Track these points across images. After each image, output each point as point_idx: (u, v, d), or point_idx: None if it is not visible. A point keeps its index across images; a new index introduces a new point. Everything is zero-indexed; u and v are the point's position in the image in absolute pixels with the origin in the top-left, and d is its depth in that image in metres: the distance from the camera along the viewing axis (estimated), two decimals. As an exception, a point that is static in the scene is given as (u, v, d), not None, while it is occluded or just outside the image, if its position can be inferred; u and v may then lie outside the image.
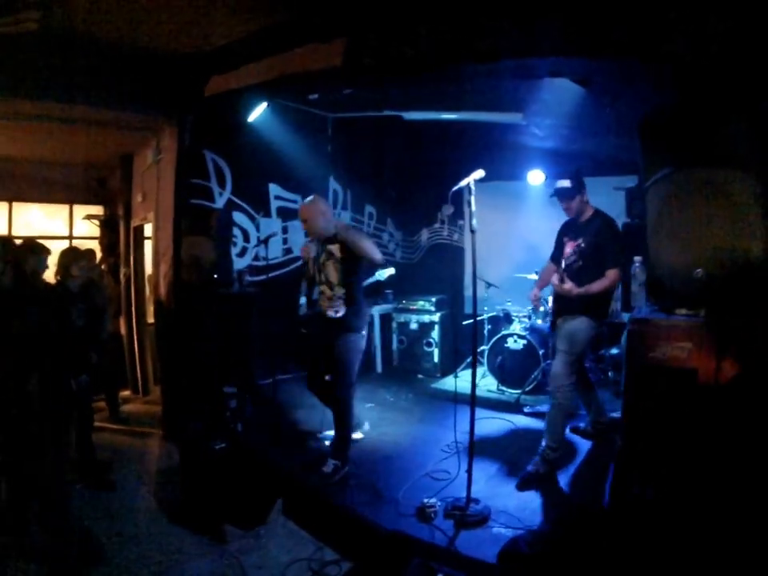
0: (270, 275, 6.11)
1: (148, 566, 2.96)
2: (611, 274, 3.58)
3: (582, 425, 4.41)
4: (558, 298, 3.93)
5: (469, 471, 3.18)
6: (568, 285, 3.64)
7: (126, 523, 3.41)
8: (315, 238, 4.05)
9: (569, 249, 3.87)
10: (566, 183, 3.75)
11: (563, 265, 3.87)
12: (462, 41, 3.01)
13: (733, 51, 2.26)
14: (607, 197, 5.70)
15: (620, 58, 2.74)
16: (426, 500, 3.21)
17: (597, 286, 3.59)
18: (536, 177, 6.28)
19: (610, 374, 5.54)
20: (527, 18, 2.75)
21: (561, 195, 3.79)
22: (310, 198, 4.02)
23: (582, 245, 3.74)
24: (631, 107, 3.28)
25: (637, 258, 3.01)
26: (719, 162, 2.15)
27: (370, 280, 6.09)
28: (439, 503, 3.23)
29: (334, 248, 3.95)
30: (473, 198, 3.18)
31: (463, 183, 3.21)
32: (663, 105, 2.53)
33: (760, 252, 2.08)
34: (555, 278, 3.80)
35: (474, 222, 3.17)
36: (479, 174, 3.19)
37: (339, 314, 3.97)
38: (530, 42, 2.80)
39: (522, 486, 3.50)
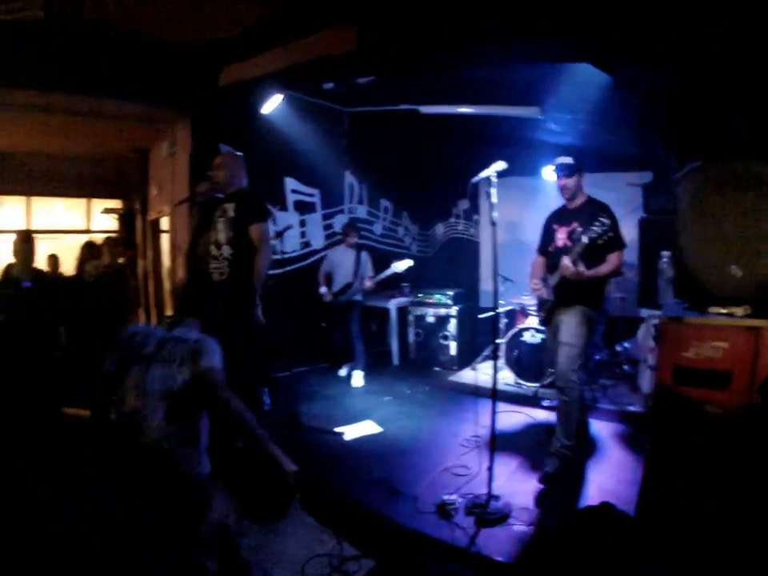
0: (286, 269, 6.11)
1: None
2: (615, 258, 3.46)
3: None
4: (560, 288, 3.66)
5: (489, 468, 3.14)
6: (581, 267, 3.39)
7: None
8: (216, 188, 3.88)
9: (561, 235, 3.71)
10: (568, 159, 3.64)
11: (557, 252, 3.68)
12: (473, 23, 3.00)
13: (732, 51, 2.21)
14: (621, 192, 5.66)
15: (620, 60, 2.70)
16: (445, 497, 3.17)
17: (605, 269, 3.46)
18: (551, 172, 6.23)
19: (625, 367, 5.48)
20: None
21: (562, 168, 3.67)
22: (237, 153, 4.00)
23: (580, 229, 3.51)
24: (657, 98, 3.22)
25: (664, 253, 2.93)
26: (758, 154, 2.06)
27: (387, 272, 6.06)
28: (459, 500, 3.19)
29: (229, 206, 3.84)
30: (494, 190, 3.12)
31: (483, 174, 3.17)
32: (693, 90, 2.45)
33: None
34: (567, 261, 3.45)
35: (495, 214, 3.12)
36: (500, 165, 3.13)
37: (224, 276, 3.78)
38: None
39: (539, 508, 3.23)
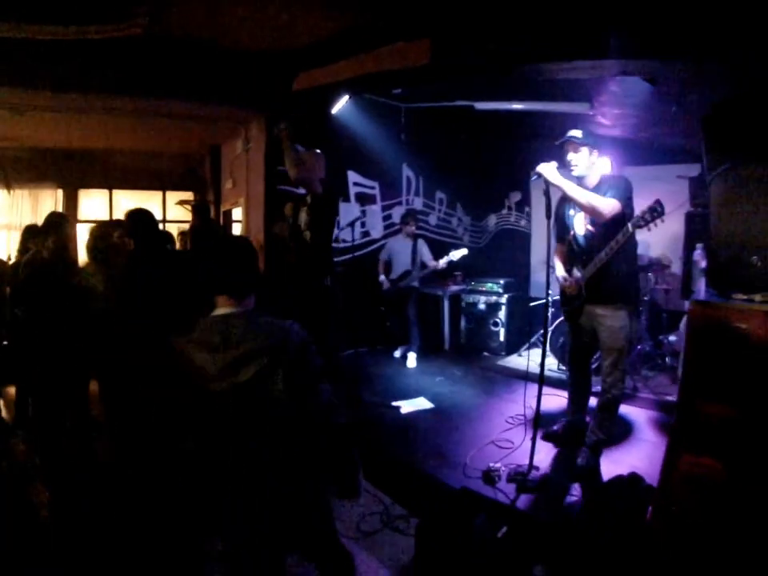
0: (348, 257, 6.51)
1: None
2: (613, 203, 3.30)
3: (555, 427, 4.10)
4: (592, 282, 3.52)
5: (533, 440, 3.46)
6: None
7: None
8: (306, 186, 4.39)
9: (582, 221, 3.58)
10: (577, 132, 3.46)
11: (577, 239, 3.62)
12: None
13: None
14: (671, 184, 5.74)
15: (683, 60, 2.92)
16: (491, 465, 3.52)
17: (601, 202, 3.30)
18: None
19: (667, 359, 5.60)
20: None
21: (568, 141, 3.46)
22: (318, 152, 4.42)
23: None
24: (699, 101, 3.41)
25: (699, 245, 3.14)
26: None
27: (445, 260, 6.35)
28: (503, 468, 3.51)
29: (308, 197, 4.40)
30: (551, 189, 3.33)
31: (537, 176, 3.40)
32: (724, 101, 2.66)
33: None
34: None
35: (552, 209, 3.36)
36: (553, 165, 3.36)
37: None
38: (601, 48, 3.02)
39: (573, 480, 3.47)
